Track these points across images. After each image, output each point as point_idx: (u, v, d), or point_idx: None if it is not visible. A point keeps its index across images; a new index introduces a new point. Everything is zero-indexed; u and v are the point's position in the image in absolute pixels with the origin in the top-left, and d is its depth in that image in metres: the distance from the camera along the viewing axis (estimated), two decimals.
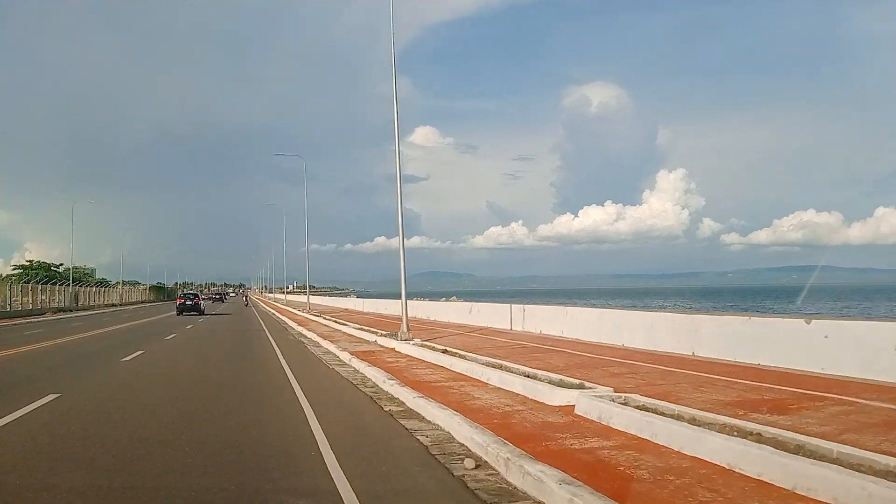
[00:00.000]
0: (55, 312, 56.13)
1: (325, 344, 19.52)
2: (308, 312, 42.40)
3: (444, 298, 57.04)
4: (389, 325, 26.46)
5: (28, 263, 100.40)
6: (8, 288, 50.97)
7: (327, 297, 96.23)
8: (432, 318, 31.74)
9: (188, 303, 48.50)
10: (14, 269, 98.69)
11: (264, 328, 30.64)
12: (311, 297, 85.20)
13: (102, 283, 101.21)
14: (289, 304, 69.95)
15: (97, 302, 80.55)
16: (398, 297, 19.68)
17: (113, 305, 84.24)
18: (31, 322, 40.82)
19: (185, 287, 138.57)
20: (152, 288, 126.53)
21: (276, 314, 46.59)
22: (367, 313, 42.33)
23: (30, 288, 56.88)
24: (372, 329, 23.50)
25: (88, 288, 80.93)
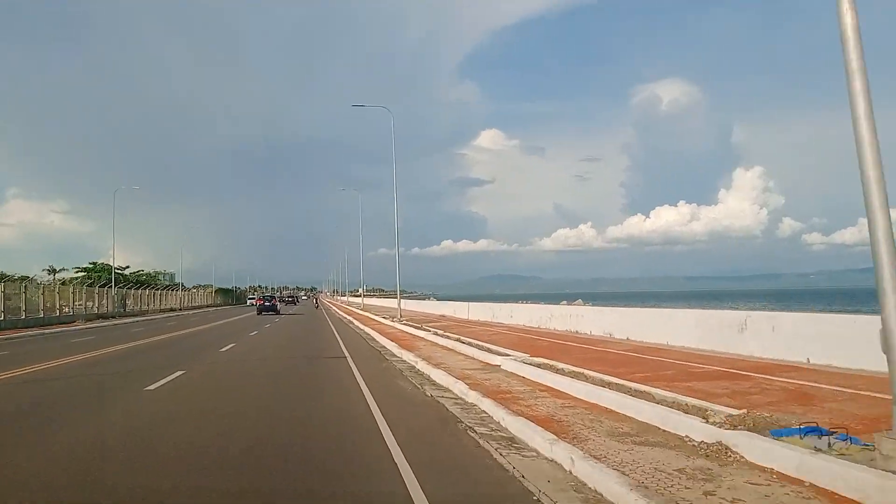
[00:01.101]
0: (89, 320, 45.86)
1: (547, 445, 6.47)
2: (401, 322, 29.87)
3: (565, 302, 43.69)
4: (561, 351, 13.42)
5: (92, 266, 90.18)
6: (22, 289, 40.63)
7: (406, 301, 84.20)
8: (614, 336, 18.41)
9: (266, 304, 55.17)
10: (77, 272, 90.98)
11: (345, 353, 17.99)
12: (383, 300, 72.48)
13: (171, 286, 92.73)
14: (366, 308, 58.08)
15: (152, 306, 71.17)
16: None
17: (172, 310, 74.81)
18: (30, 336, 29.95)
19: (256, 291, 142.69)
20: (219, 291, 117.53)
21: (356, 324, 34.16)
22: (487, 325, 29.44)
23: (56, 291, 46.84)
24: (568, 367, 10.54)
25: (142, 291, 71.48)
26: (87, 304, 52.00)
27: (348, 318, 42.69)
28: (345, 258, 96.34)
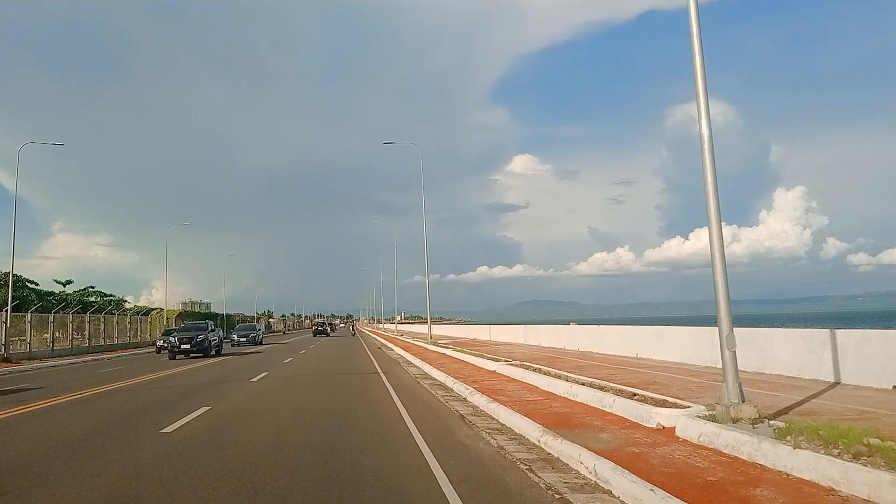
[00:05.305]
0: None
1: None
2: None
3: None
4: None
5: None
6: None
7: (459, 326, 67.25)
8: None
9: (320, 328, 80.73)
10: None
11: None
12: (446, 326, 51.54)
13: (146, 312, 59.61)
14: (436, 341, 38.18)
15: None
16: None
17: (27, 361, 31.79)
18: None
19: (285, 318, 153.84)
20: (186, 316, 64.19)
21: (450, 385, 17.03)
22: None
23: None
24: None
25: None
26: None
27: (414, 363, 26.37)
28: (380, 286, 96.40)
